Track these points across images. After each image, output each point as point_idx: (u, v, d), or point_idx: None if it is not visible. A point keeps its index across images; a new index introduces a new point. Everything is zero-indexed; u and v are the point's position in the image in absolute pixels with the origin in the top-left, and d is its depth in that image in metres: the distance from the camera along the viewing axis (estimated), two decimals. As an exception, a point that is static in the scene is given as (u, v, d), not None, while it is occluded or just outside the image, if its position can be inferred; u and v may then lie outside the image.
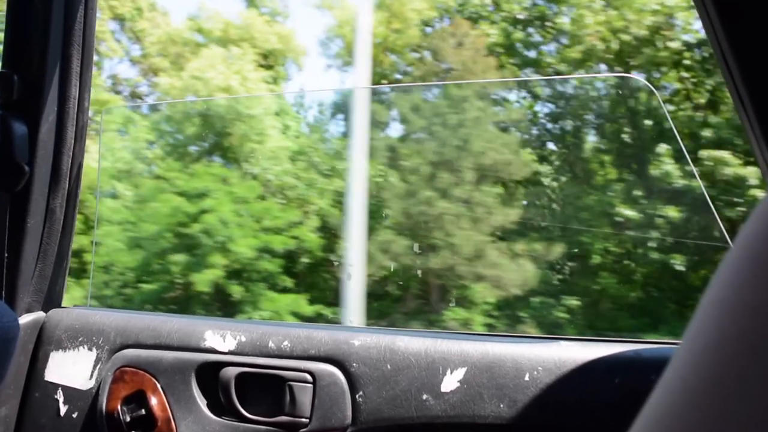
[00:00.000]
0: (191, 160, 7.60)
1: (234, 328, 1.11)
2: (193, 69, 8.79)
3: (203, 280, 6.15)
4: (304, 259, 6.50)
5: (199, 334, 1.12)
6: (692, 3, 0.68)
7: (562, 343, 1.00)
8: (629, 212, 5.96)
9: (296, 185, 6.94)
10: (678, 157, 5.92)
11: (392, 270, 6.13)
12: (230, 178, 6.94)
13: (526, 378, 0.96)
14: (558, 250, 6.00)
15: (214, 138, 7.70)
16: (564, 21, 8.16)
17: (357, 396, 1.02)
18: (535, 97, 7.50)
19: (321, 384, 1.03)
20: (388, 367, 1.02)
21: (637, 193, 6.29)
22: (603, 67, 7.81)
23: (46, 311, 1.23)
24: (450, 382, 0.98)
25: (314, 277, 6.57)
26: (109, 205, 6.73)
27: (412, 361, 1.01)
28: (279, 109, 7.88)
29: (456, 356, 1.00)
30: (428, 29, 9.19)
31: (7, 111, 1.13)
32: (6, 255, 1.16)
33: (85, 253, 6.35)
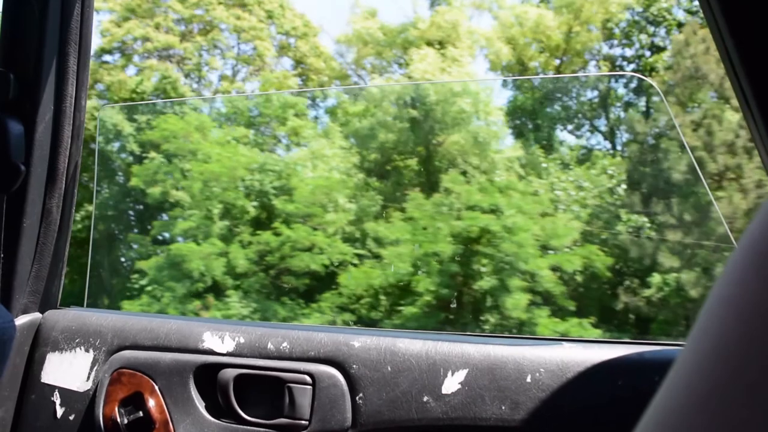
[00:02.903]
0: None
1: (232, 330, 1.10)
2: (417, 71, 8.43)
3: (515, 305, 5.58)
4: (591, 279, 6.03)
5: (198, 336, 1.11)
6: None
7: (565, 344, 0.99)
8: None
9: (557, 198, 6.45)
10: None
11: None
12: (514, 192, 6.39)
13: (528, 380, 0.95)
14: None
15: (426, 144, 7.32)
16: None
17: (357, 398, 1.00)
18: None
19: (321, 386, 1.02)
20: (389, 368, 1.00)
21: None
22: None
23: (42, 312, 1.22)
24: (451, 384, 0.97)
25: (604, 299, 6.10)
26: (331, 219, 6.30)
27: (412, 363, 1.00)
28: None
29: (457, 358, 0.98)
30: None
31: (2, 110, 1.12)
32: (2, 255, 1.15)
33: (317, 273, 5.83)
